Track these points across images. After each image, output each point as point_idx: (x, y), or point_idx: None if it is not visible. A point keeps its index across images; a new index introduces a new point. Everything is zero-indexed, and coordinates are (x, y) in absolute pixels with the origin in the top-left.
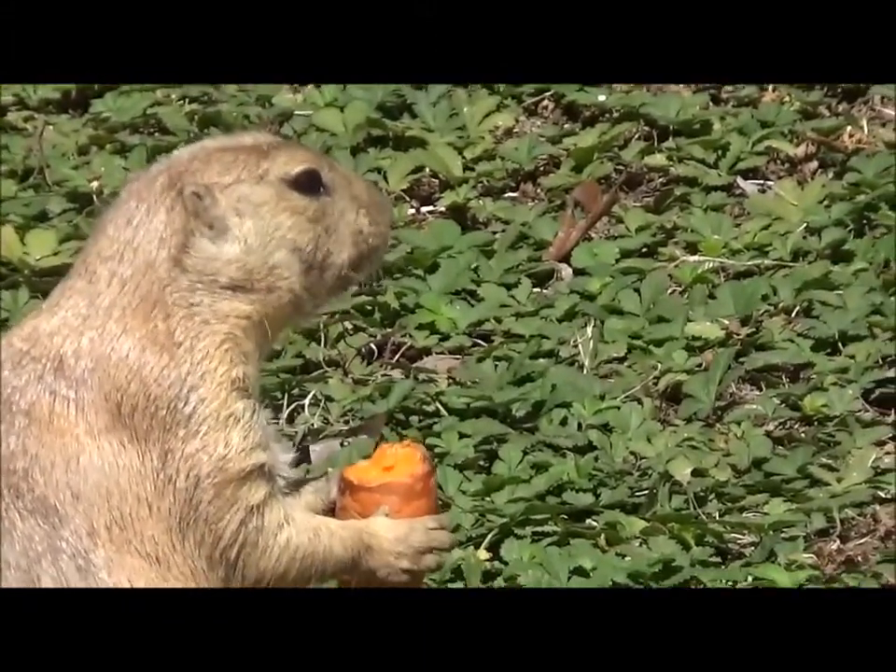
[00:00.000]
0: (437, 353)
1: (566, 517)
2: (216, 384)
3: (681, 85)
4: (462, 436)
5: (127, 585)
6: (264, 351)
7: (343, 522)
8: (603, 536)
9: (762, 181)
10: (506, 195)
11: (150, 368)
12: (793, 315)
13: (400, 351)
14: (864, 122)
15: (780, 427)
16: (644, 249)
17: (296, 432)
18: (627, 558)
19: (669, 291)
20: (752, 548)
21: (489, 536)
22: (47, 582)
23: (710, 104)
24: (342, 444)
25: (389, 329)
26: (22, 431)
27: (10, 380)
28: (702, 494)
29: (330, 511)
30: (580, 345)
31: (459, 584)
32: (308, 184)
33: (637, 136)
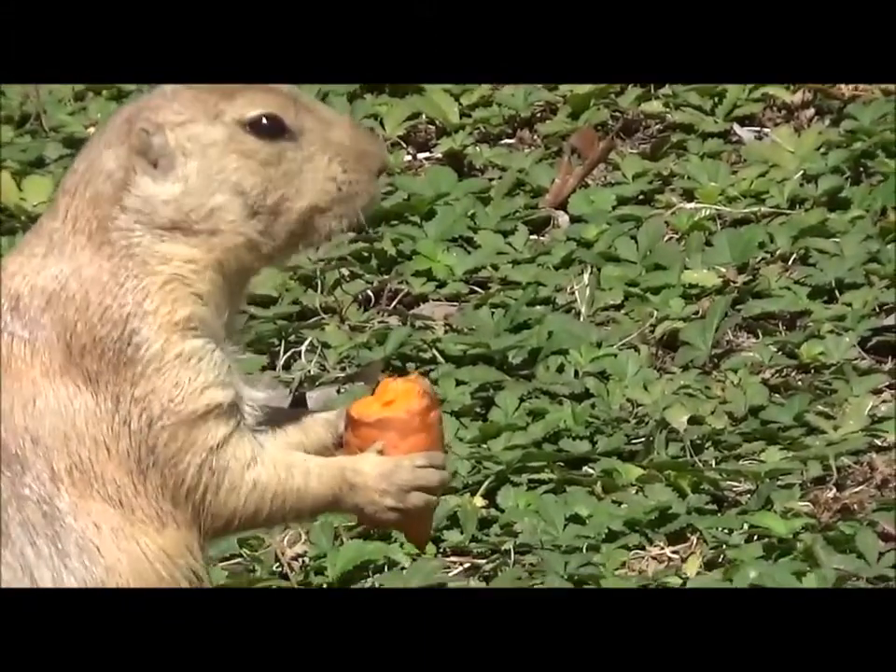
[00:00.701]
0: (433, 300)
1: (562, 464)
2: (157, 325)
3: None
4: (459, 383)
5: (93, 530)
6: (235, 291)
7: (325, 459)
8: (599, 483)
9: (758, 128)
10: (502, 142)
11: (94, 308)
12: (790, 262)
13: (397, 298)
14: None
15: (777, 374)
16: (641, 196)
17: (293, 379)
18: (624, 506)
19: (666, 238)
20: (748, 496)
21: (485, 483)
22: (14, 528)
23: None
24: (338, 391)
25: (386, 276)
26: None
27: None
28: (698, 441)
29: (340, 445)
30: (576, 292)
31: (456, 531)
32: (266, 127)
33: (633, 83)
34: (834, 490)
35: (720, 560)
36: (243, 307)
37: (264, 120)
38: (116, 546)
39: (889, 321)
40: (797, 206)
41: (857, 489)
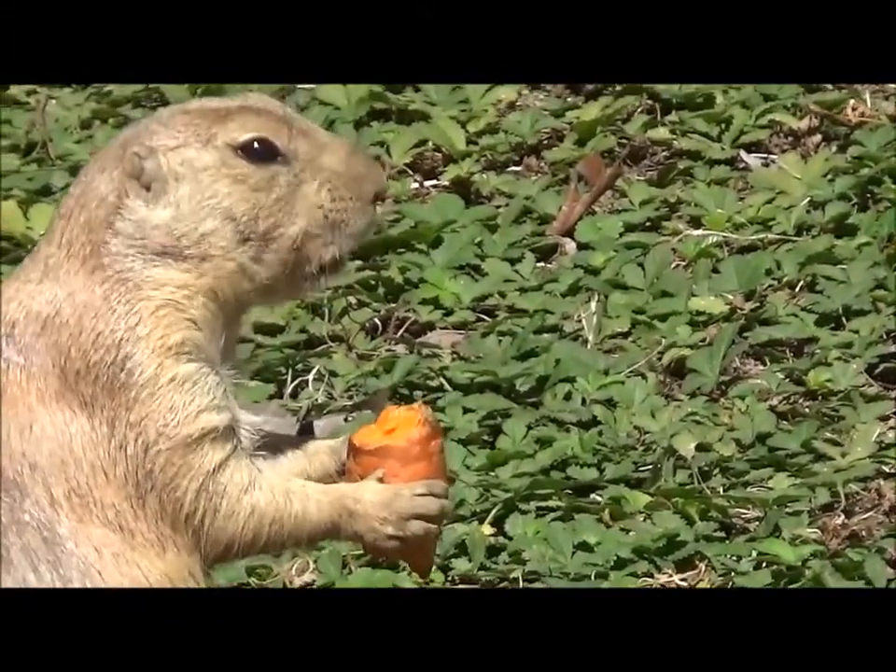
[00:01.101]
0: (441, 328)
1: (570, 492)
2: (150, 349)
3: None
4: (466, 411)
5: (94, 555)
6: (233, 318)
7: (325, 486)
8: (607, 511)
9: (765, 155)
10: (509, 169)
11: (87, 333)
12: (797, 289)
13: (404, 326)
14: (867, 96)
15: (784, 401)
16: (648, 223)
17: (300, 407)
18: (632, 533)
19: (673, 265)
20: (757, 523)
21: (493, 511)
22: (16, 554)
23: None
24: (345, 420)
25: (393, 304)
26: None
27: None
28: (706, 468)
29: (343, 473)
30: (583, 320)
31: (464, 560)
32: (258, 151)
33: (640, 110)
34: (843, 517)
35: (728, 587)
36: (242, 334)
37: (256, 144)
38: (118, 571)
39: None
40: (804, 233)
41: (865, 516)
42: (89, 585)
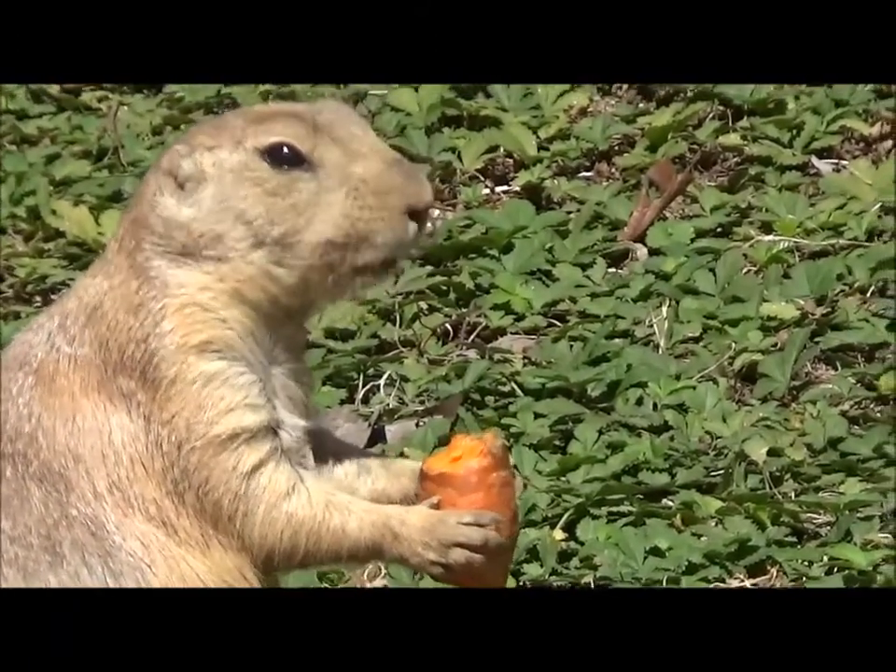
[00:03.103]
0: (512, 333)
1: (641, 497)
2: (174, 346)
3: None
4: (537, 416)
5: (142, 549)
6: (278, 321)
7: (372, 505)
8: (679, 516)
9: (836, 160)
10: (580, 175)
11: (122, 326)
12: (868, 294)
13: (476, 331)
14: None
15: (856, 406)
16: (719, 229)
17: (371, 412)
18: (703, 538)
19: (744, 271)
20: (828, 528)
21: (565, 516)
22: (66, 547)
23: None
24: (417, 425)
25: (464, 310)
26: (29, 391)
27: (29, 338)
28: (777, 473)
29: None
30: (655, 325)
31: (535, 565)
32: (282, 156)
33: (711, 116)
34: None
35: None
36: (301, 335)
37: (283, 149)
38: (166, 566)
39: None
40: (875, 238)
41: None
42: (140, 579)
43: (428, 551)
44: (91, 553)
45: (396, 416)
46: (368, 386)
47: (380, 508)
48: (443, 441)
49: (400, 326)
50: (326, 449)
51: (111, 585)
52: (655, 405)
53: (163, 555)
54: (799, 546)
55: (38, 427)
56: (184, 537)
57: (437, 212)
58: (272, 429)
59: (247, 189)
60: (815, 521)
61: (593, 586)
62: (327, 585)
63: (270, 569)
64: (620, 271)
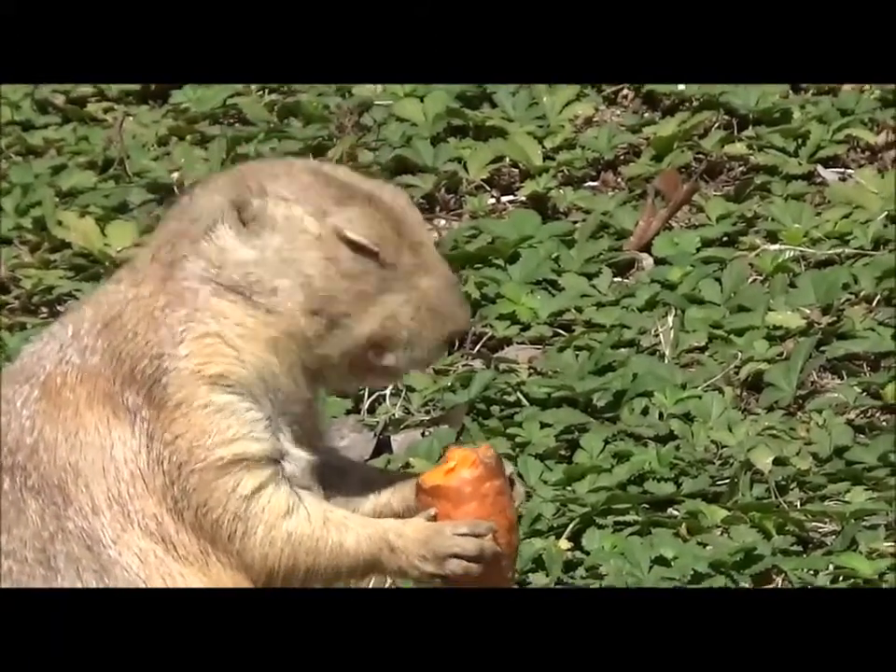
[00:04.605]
0: (518, 343)
1: (647, 506)
2: (187, 372)
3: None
4: (543, 425)
5: (138, 564)
6: (282, 380)
7: (369, 520)
8: (684, 525)
9: (842, 169)
10: (586, 184)
11: (139, 339)
12: (874, 303)
13: (481, 341)
14: None
15: (861, 415)
16: (724, 238)
17: (377, 422)
18: (709, 547)
19: (750, 280)
20: (834, 536)
21: (570, 525)
22: (61, 561)
23: (790, 92)
24: (422, 435)
25: (470, 319)
26: (34, 404)
27: (39, 349)
28: (783, 482)
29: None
30: (660, 335)
31: (541, 574)
32: (361, 249)
33: (716, 125)
34: None
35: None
36: (316, 396)
37: (359, 246)
38: (162, 581)
39: None
40: (881, 247)
41: None
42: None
43: (425, 563)
44: (86, 568)
45: (401, 426)
46: (373, 397)
47: (377, 522)
48: None
49: None
50: (331, 466)
51: None
52: (661, 414)
53: (160, 571)
54: (804, 555)
55: (40, 440)
56: (182, 553)
57: (442, 221)
58: (274, 459)
59: (320, 259)
60: (820, 530)
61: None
62: None
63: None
64: (625, 280)
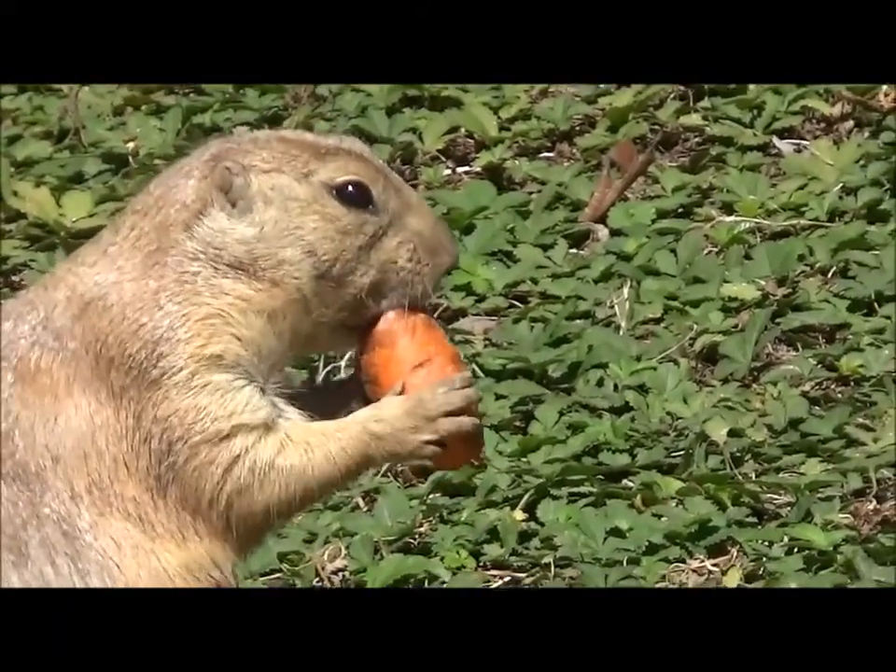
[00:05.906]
0: (473, 314)
1: (602, 478)
2: (187, 354)
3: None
4: (498, 397)
5: (113, 548)
6: (275, 348)
7: (343, 421)
8: (639, 496)
9: (797, 141)
10: (541, 155)
11: (129, 323)
12: (829, 275)
13: (436, 312)
14: None
15: (817, 387)
16: (680, 209)
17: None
18: (664, 518)
19: (705, 252)
20: (788, 508)
21: (525, 496)
22: (34, 547)
23: None
24: None
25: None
26: (8, 389)
27: (9, 332)
28: (738, 454)
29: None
30: (616, 306)
31: (496, 545)
32: (352, 196)
33: (672, 96)
34: (875, 502)
35: (760, 573)
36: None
37: (352, 188)
38: (136, 563)
39: None
40: (836, 219)
41: None
42: (107, 578)
43: (418, 433)
44: (59, 553)
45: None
46: (329, 368)
47: (350, 421)
48: None
49: None
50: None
51: (77, 584)
52: (616, 386)
53: (135, 553)
54: (759, 526)
55: (15, 427)
56: (160, 531)
57: None
58: (265, 422)
59: (317, 222)
60: (775, 501)
61: (553, 567)
62: (286, 566)
63: (260, 532)
64: (581, 251)
